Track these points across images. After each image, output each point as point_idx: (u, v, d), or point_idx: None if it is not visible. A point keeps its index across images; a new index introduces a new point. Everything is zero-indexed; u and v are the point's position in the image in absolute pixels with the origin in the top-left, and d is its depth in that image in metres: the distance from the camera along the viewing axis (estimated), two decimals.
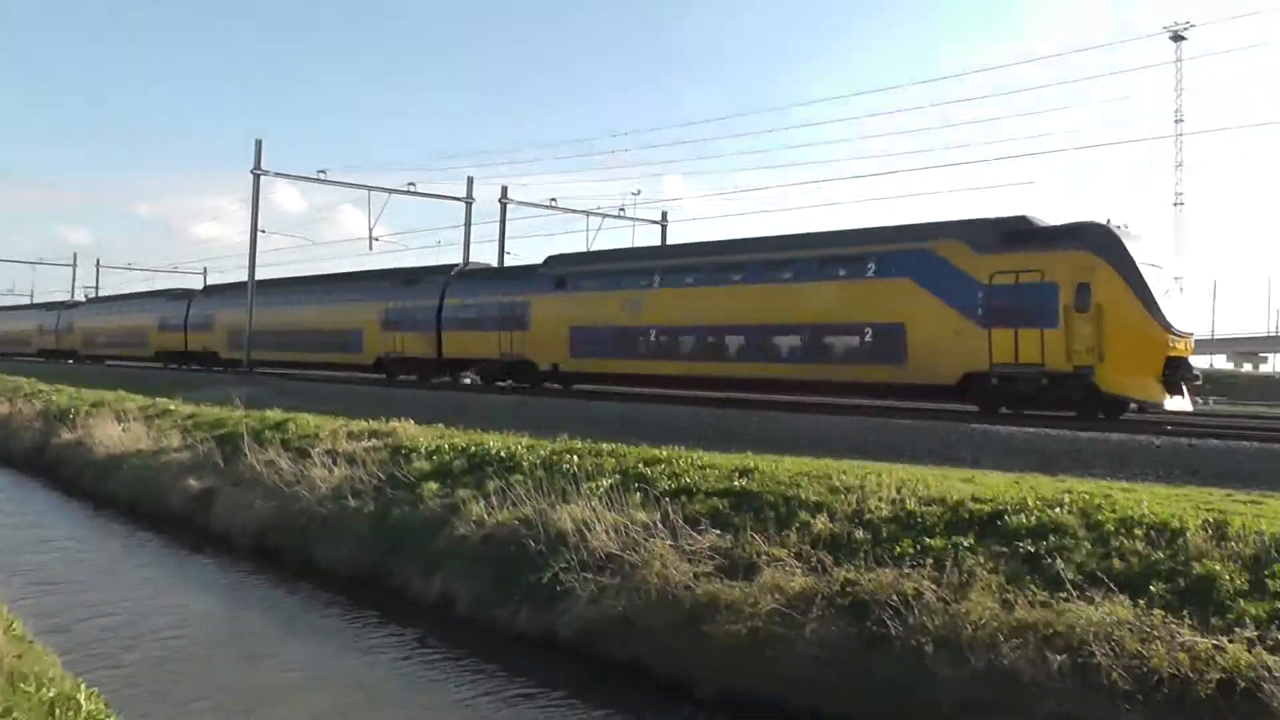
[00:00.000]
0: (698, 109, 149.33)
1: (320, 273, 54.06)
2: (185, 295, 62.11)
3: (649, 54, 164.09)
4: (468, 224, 53.37)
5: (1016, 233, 23.80)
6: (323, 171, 49.35)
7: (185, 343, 57.08)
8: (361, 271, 49.22)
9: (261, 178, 47.67)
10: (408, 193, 51.61)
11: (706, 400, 27.61)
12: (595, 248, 52.21)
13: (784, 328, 27.67)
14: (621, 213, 56.38)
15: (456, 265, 44.46)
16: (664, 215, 58.92)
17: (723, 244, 31.84)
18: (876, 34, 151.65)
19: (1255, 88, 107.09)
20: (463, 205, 53.46)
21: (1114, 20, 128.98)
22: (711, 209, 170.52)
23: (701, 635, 10.57)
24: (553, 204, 54.75)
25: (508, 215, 54.14)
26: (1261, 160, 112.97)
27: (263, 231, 49.82)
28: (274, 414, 24.00)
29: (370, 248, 51.93)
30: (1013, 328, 22.66)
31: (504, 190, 54.25)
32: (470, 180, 54.05)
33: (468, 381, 39.92)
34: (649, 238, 57.35)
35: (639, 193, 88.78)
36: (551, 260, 36.99)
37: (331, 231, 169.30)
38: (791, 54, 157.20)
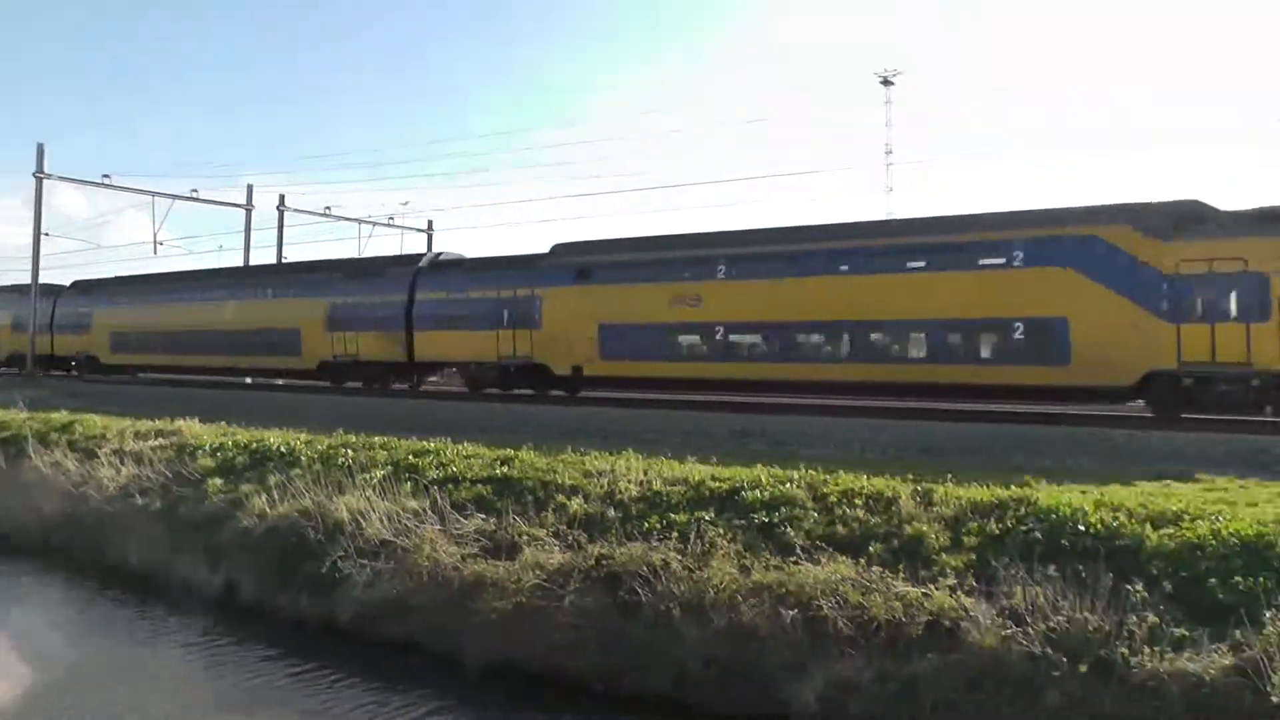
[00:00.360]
0: (471, 125, 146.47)
1: (218, 266, 47.23)
2: (50, 292, 49.51)
3: (431, 69, 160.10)
4: (248, 229, 50.68)
5: (1197, 218, 19.98)
6: (107, 176, 46.00)
7: (52, 345, 46.75)
8: (298, 263, 43.08)
9: (44, 181, 43.93)
10: (190, 199, 48.38)
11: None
12: (368, 253, 48.81)
13: (898, 324, 22.72)
14: (391, 221, 54.82)
15: (424, 254, 36.55)
16: (430, 224, 57.39)
17: (812, 230, 25.61)
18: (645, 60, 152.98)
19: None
20: (243, 211, 51.08)
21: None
22: (477, 219, 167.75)
23: (470, 612, 10.63)
24: (328, 212, 52.73)
25: (285, 221, 51.95)
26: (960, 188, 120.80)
27: (46, 234, 46.05)
28: (59, 416, 22.02)
29: (155, 251, 48.36)
30: (1208, 323, 18.85)
31: (281, 198, 52.04)
32: (250, 188, 51.58)
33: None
34: (416, 244, 54.99)
35: (408, 203, 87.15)
36: (561, 249, 29.47)
37: (116, 235, 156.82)
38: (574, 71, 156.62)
